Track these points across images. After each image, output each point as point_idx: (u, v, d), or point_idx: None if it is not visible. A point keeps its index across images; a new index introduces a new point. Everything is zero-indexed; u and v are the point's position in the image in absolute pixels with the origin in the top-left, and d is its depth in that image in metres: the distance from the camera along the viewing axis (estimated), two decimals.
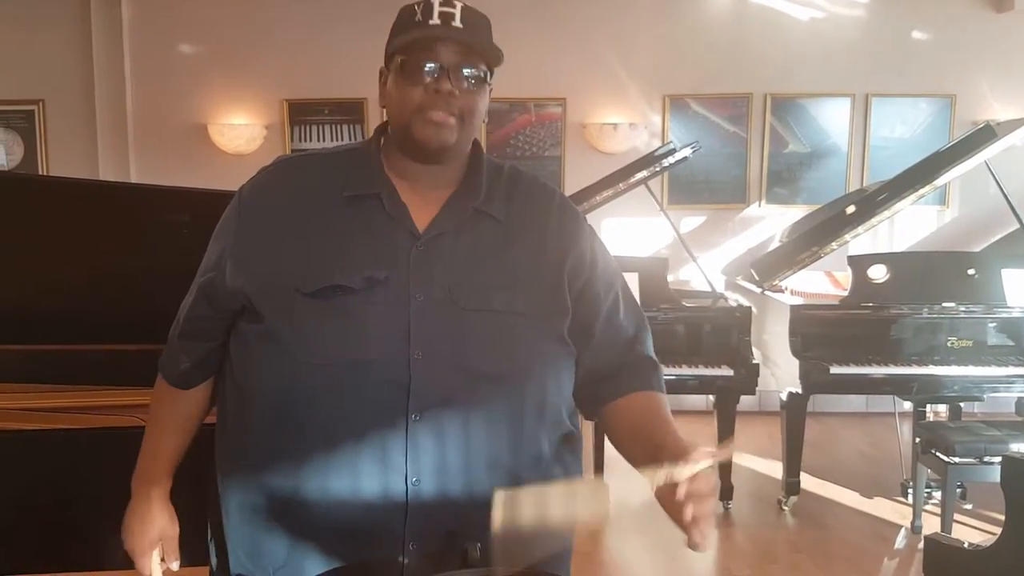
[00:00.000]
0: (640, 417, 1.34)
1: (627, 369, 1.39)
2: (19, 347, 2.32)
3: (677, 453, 1.13)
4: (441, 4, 1.26)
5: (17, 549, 1.95)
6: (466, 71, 1.27)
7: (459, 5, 1.27)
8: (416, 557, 1.27)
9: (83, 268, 2.32)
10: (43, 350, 2.32)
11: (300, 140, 5.91)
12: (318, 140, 5.90)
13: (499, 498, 1.10)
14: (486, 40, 1.30)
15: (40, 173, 5.91)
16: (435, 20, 1.25)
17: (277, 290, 1.27)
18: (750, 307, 4.18)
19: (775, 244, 5.16)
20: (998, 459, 3.33)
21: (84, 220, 2.37)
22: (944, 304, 3.99)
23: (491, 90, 1.33)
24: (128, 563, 2.07)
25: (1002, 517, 3.31)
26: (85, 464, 1.97)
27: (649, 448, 1.23)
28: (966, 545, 1.96)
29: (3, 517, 1.93)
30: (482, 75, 1.29)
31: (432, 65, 1.25)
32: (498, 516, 1.09)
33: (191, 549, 1.63)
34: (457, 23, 1.25)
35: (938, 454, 3.53)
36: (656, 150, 4.75)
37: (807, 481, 4.47)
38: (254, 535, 1.35)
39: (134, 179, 5.89)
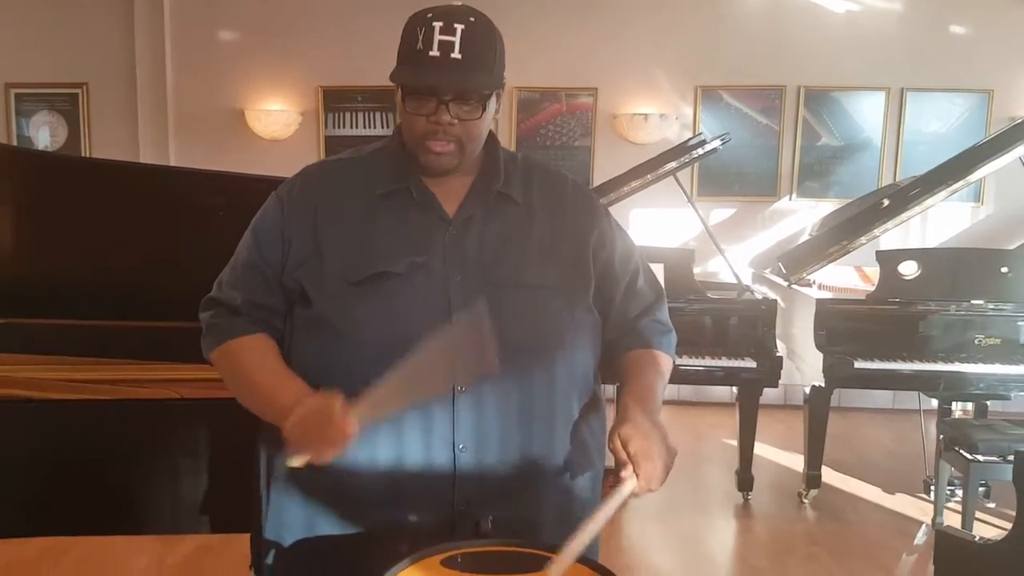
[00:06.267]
0: (629, 369, 1.46)
1: (637, 332, 1.49)
2: (62, 322, 2.42)
3: (619, 420, 1.32)
4: (442, 32, 1.28)
5: (56, 512, 2.05)
6: (464, 107, 1.32)
7: (460, 30, 1.29)
8: (464, 523, 1.33)
9: (124, 247, 2.41)
10: (85, 325, 2.41)
11: (334, 127, 6.00)
12: (352, 127, 5.98)
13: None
14: (486, 70, 1.32)
15: (83, 155, 6.07)
16: (434, 51, 1.28)
17: (324, 282, 1.36)
18: (775, 300, 4.19)
19: (805, 238, 5.15)
20: None
21: (127, 201, 2.47)
22: (973, 301, 3.97)
23: (500, 101, 1.39)
24: (161, 528, 2.17)
25: None
26: (123, 434, 2.05)
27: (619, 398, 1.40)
28: (977, 539, 1.98)
29: (43, 482, 2.02)
30: (481, 102, 1.34)
31: (431, 98, 1.31)
32: None
33: (231, 516, 1.70)
34: (456, 54, 1.28)
35: (961, 451, 3.52)
36: (685, 141, 4.75)
37: (829, 475, 4.49)
38: (300, 506, 1.41)
39: (172, 162, 6.01)
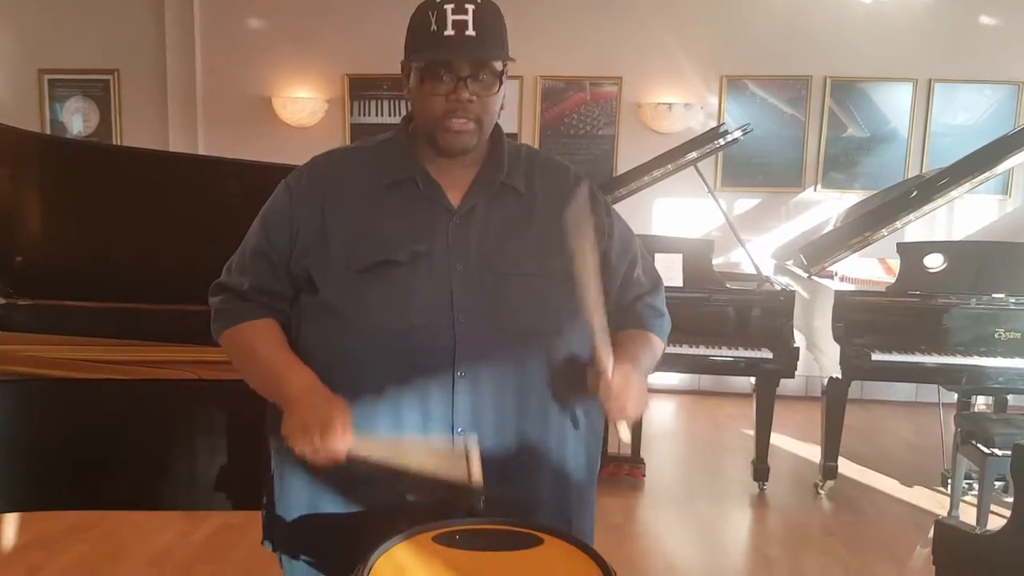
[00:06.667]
0: (619, 342, 1.47)
1: (633, 313, 1.54)
2: (84, 304, 2.50)
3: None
4: (454, 12, 1.34)
5: (82, 488, 2.12)
6: (481, 78, 1.37)
7: (471, 9, 1.34)
8: (460, 503, 1.37)
9: (146, 233, 2.49)
10: (106, 307, 2.49)
11: (360, 115, 6.06)
12: (377, 115, 6.04)
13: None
14: (498, 46, 1.38)
15: (114, 141, 6.20)
16: (449, 31, 1.33)
17: (330, 269, 1.40)
18: (794, 291, 4.19)
19: (830, 229, 5.13)
20: None
21: (149, 188, 2.54)
22: (994, 295, 3.94)
23: (505, 79, 1.43)
24: (183, 504, 2.24)
25: None
26: (146, 412, 2.12)
27: None
28: (978, 530, 1.99)
29: (68, 458, 2.10)
30: (496, 76, 1.39)
31: (449, 77, 1.36)
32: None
33: (249, 494, 1.76)
34: (470, 31, 1.33)
35: (978, 445, 3.51)
36: (707, 132, 4.75)
37: (848, 467, 4.49)
38: (305, 484, 1.47)
39: (201, 148, 6.12)
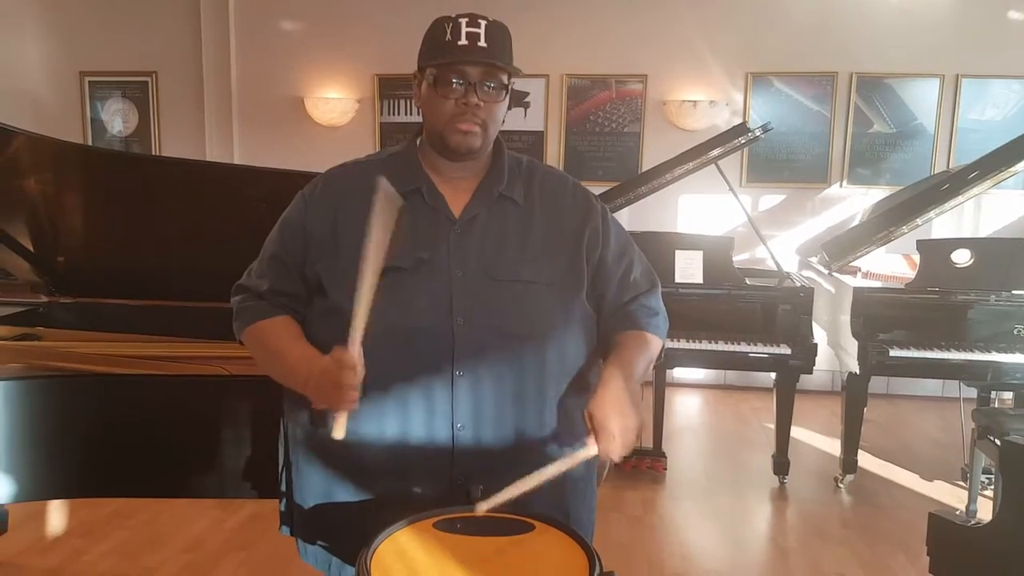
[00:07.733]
0: (614, 346, 1.57)
1: (628, 315, 1.62)
2: (121, 301, 2.65)
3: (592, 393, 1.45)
4: (468, 25, 1.46)
5: (119, 477, 2.26)
6: (488, 85, 1.48)
7: (483, 24, 1.47)
8: (459, 492, 1.48)
9: (177, 235, 2.62)
10: (142, 305, 2.63)
11: (389, 114, 6.19)
12: (406, 114, 6.16)
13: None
14: (507, 57, 1.50)
15: (152, 140, 6.41)
16: (463, 41, 1.45)
17: (340, 273, 1.50)
18: (812, 288, 4.23)
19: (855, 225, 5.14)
20: None
21: (183, 193, 2.68)
22: (1014, 291, 3.95)
23: (509, 93, 1.54)
24: (214, 493, 2.37)
25: None
26: (178, 406, 2.25)
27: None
28: (971, 522, 2.05)
29: (109, 449, 2.24)
30: (503, 86, 1.50)
31: (460, 82, 1.47)
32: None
33: (276, 483, 1.88)
34: (482, 43, 1.46)
35: (994, 440, 3.53)
36: (727, 130, 4.78)
37: (870, 461, 4.53)
38: (319, 476, 1.58)
39: (236, 147, 6.29)
